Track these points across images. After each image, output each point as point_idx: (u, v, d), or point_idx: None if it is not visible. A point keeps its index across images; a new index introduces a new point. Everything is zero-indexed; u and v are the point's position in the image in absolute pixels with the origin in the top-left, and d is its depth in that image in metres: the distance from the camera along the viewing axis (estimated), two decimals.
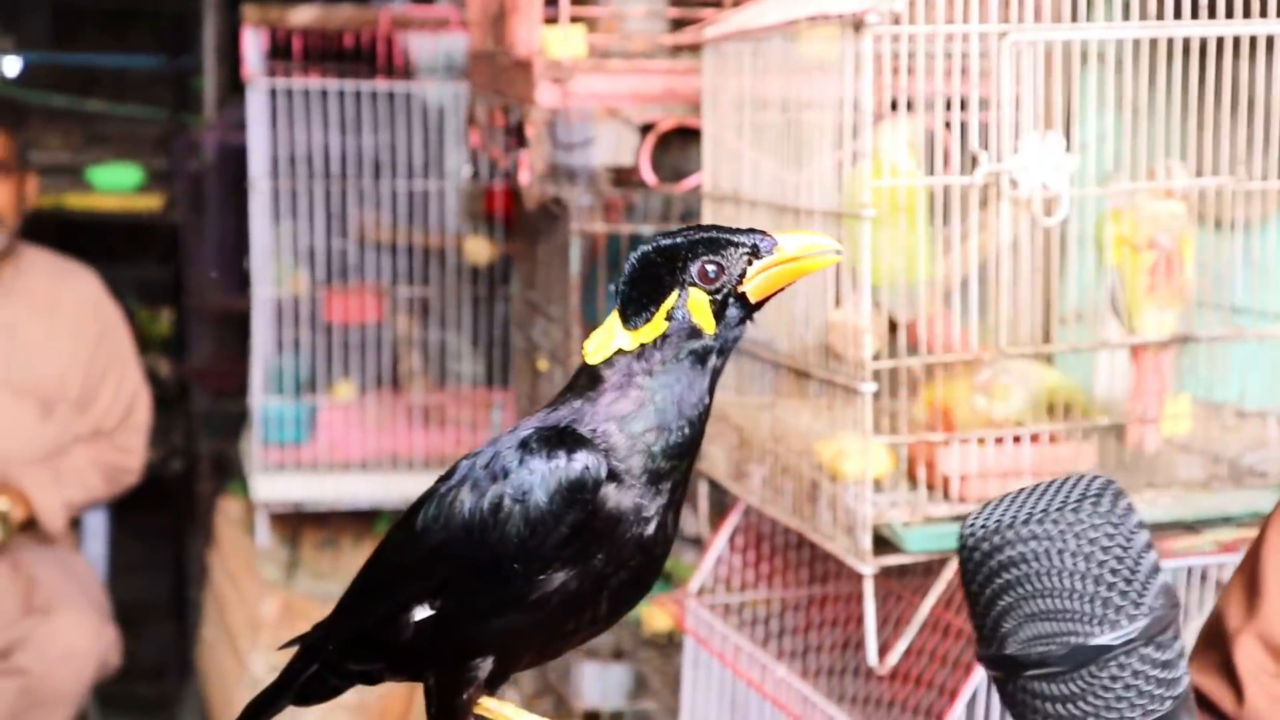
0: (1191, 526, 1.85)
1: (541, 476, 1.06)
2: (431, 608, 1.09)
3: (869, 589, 1.79)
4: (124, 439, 3.30)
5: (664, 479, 1.08)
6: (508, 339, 3.40)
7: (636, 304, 1.10)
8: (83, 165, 4.94)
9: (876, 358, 1.80)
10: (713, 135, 2.08)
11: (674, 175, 2.50)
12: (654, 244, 1.11)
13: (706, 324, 1.09)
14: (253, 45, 3.28)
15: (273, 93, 3.29)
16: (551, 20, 2.42)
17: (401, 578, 1.12)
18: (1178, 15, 1.83)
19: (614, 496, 1.07)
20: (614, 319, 1.12)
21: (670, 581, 2.46)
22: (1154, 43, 1.84)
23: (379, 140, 3.40)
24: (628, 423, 1.08)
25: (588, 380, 1.11)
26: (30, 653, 3.09)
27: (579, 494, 1.06)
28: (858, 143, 1.78)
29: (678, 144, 2.48)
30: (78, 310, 3.28)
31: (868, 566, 1.78)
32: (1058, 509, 0.91)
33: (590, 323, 2.93)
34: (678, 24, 2.61)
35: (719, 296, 1.08)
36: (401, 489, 3.36)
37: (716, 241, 1.09)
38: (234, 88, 3.73)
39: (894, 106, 1.84)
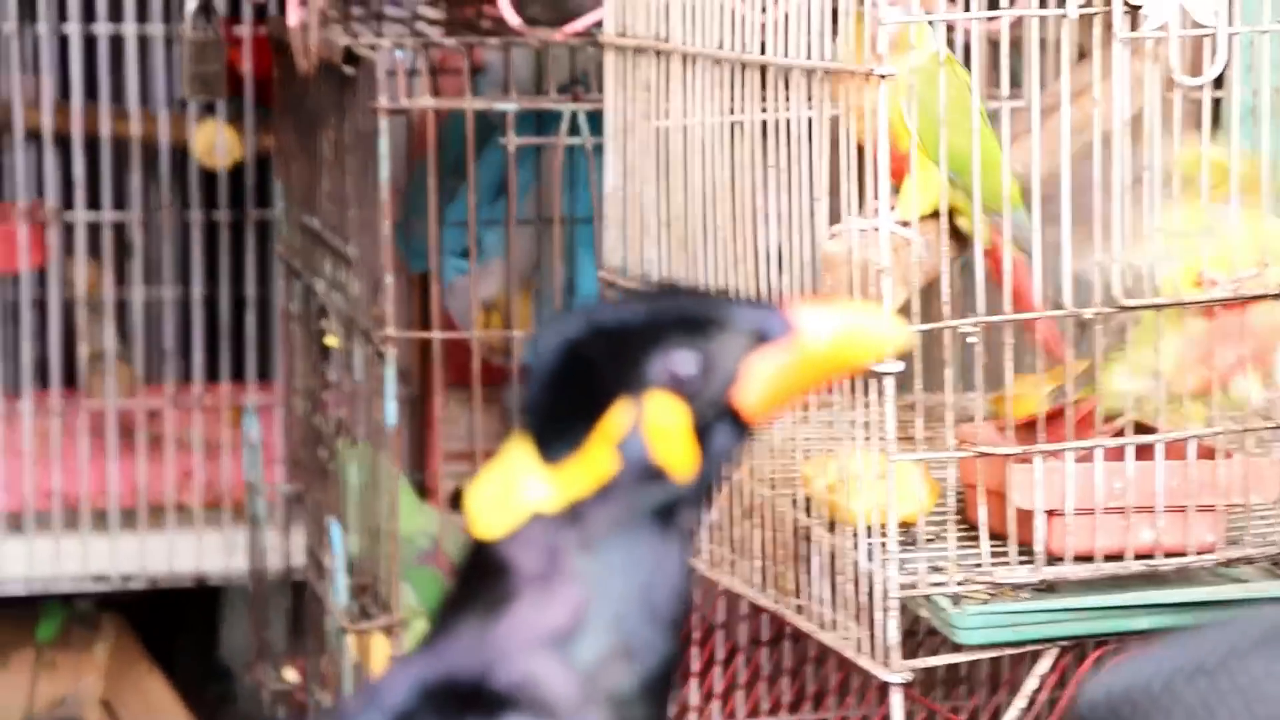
0: None
1: None
2: None
3: (897, 708, 1.80)
4: None
5: None
6: (269, 298, 3.37)
7: (557, 424, 1.10)
8: None
9: (904, 314, 1.83)
10: None
11: (553, 13, 2.52)
12: (584, 321, 1.11)
13: (678, 461, 1.10)
14: None
15: None
16: None
17: None
18: None
19: None
20: (520, 451, 1.12)
21: None
22: None
23: None
24: (568, 648, 1.09)
25: (483, 571, 1.11)
26: None
27: None
28: None
29: None
30: None
31: (895, 673, 1.79)
32: (1218, 662, 0.96)
33: (414, 274, 2.90)
34: None
35: (697, 412, 1.10)
36: (82, 563, 3.32)
37: (692, 317, 1.10)
38: None
39: None
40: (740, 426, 1.11)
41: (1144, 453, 1.86)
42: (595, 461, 1.10)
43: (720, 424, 1.10)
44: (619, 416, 1.09)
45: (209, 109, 3.38)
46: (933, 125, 1.84)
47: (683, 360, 1.09)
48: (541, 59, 2.63)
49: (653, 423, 1.09)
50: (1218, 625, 1.02)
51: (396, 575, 2.47)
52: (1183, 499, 1.85)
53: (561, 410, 1.10)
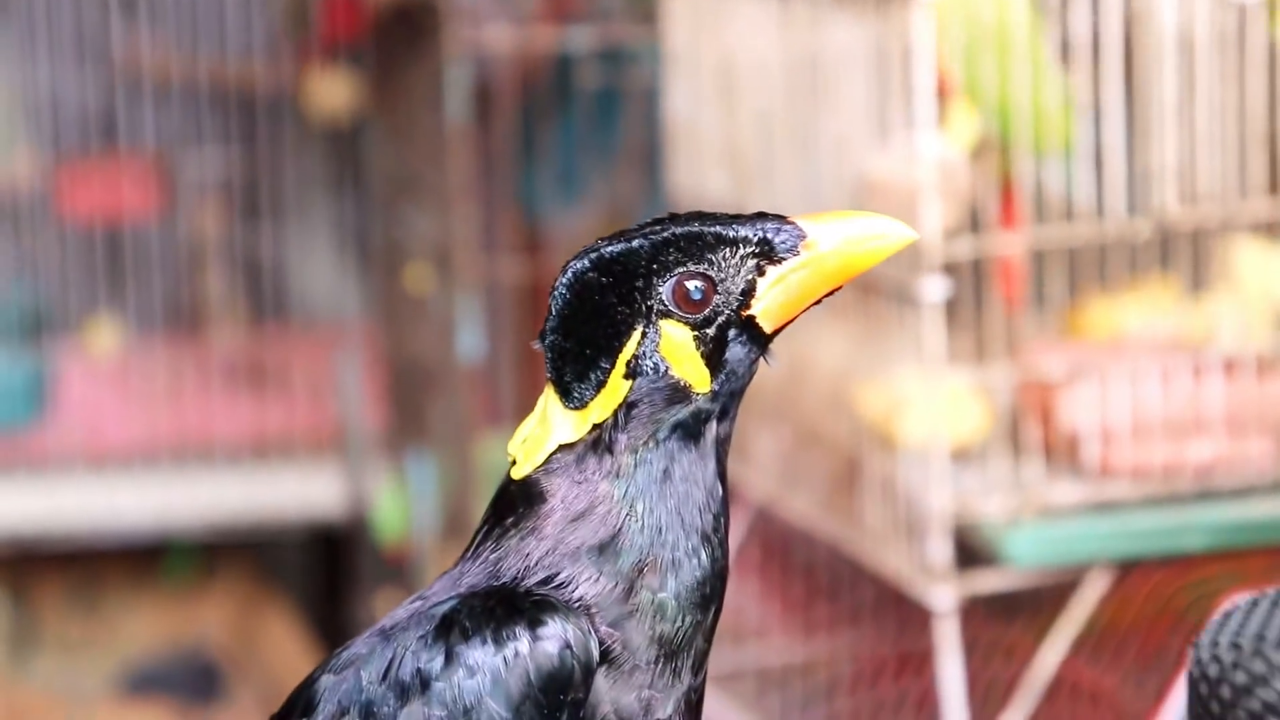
0: None
1: (493, 675, 1.11)
2: None
3: (949, 632, 1.80)
4: None
5: (683, 649, 1.14)
6: (367, 241, 3.39)
7: (577, 361, 1.16)
8: None
9: (952, 238, 1.82)
10: None
11: None
12: (594, 254, 1.16)
13: (696, 376, 1.15)
14: None
15: None
16: None
17: None
18: None
19: (607, 692, 1.13)
20: (545, 398, 1.17)
21: None
22: None
23: None
24: (606, 559, 1.14)
25: (519, 502, 1.17)
26: None
27: (562, 694, 1.11)
28: None
29: None
30: None
31: (945, 595, 1.80)
32: None
33: (513, 206, 2.91)
34: None
35: (712, 329, 1.15)
36: (202, 501, 3.36)
37: (699, 239, 1.15)
38: None
39: None
40: (758, 337, 1.16)
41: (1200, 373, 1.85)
42: (615, 389, 1.15)
43: (737, 336, 1.16)
44: (633, 344, 1.15)
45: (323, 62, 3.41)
46: (978, 56, 1.84)
47: (690, 283, 1.15)
48: None
49: (667, 343, 1.15)
50: None
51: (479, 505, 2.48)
52: (1235, 417, 1.84)
53: (579, 347, 1.16)
